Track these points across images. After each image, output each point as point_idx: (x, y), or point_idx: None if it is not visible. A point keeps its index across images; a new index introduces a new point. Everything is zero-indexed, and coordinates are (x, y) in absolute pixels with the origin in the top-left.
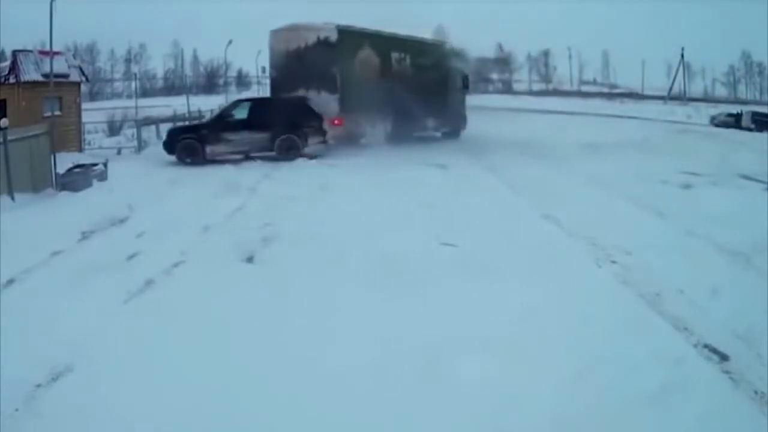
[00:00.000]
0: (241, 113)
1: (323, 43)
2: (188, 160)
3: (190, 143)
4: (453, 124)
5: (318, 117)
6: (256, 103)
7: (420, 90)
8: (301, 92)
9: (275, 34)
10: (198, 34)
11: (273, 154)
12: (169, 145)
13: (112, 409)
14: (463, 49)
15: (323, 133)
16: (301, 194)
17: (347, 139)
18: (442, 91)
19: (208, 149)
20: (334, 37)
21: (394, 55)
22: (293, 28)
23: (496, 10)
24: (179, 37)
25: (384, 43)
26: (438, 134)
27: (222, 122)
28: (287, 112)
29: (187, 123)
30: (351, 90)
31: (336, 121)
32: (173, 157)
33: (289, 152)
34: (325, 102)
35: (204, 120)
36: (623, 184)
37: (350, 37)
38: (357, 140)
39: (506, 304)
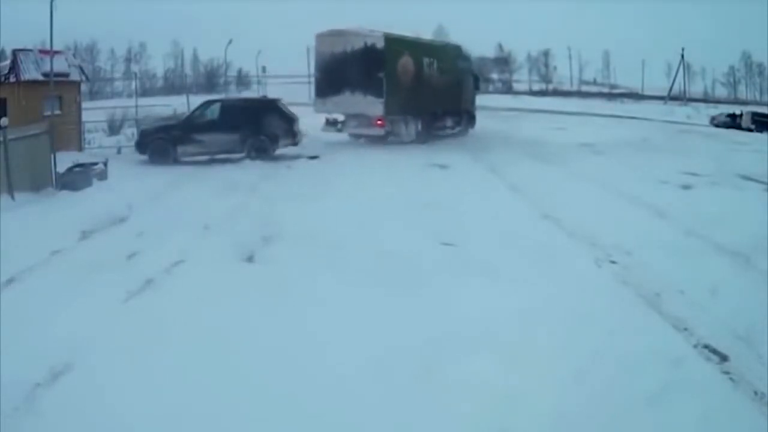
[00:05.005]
0: (211, 114)
1: (370, 49)
2: (159, 161)
3: (161, 144)
4: (465, 123)
5: (289, 119)
6: (226, 105)
7: (443, 91)
8: (345, 94)
9: (321, 37)
10: (198, 34)
11: (243, 155)
12: (141, 146)
13: (111, 408)
14: (469, 51)
15: (293, 135)
16: (304, 193)
17: (382, 138)
18: (458, 92)
19: (179, 150)
20: (380, 44)
21: (425, 60)
22: (340, 33)
23: (496, 10)
24: (179, 37)
25: (419, 49)
26: (455, 132)
27: (193, 123)
28: (257, 113)
29: (159, 123)
30: (394, 93)
31: (379, 122)
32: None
33: (258, 154)
34: (370, 104)
35: (175, 120)
36: (623, 184)
37: (394, 44)
38: (386, 139)
39: (505, 303)
